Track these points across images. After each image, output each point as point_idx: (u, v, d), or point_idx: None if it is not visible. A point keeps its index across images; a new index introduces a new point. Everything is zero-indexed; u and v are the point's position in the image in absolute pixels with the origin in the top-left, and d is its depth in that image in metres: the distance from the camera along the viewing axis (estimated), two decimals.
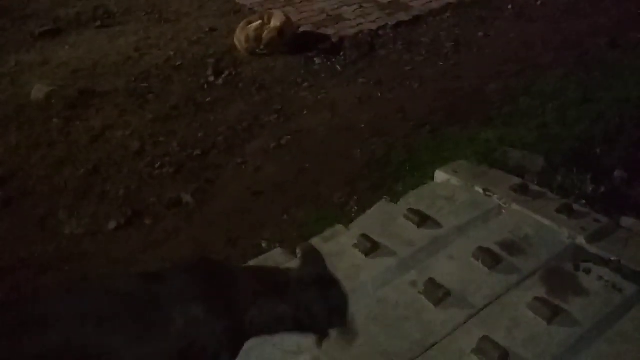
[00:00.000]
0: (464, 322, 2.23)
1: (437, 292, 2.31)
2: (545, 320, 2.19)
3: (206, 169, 3.57)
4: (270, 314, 1.83)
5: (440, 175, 3.04)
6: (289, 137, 3.76)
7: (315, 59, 4.67)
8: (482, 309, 2.27)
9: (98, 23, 5.64)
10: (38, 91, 4.31)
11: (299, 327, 1.88)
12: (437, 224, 2.65)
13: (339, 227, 2.82)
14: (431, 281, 2.35)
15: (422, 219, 2.64)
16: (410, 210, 2.70)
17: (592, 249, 2.57)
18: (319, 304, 1.87)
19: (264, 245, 3.05)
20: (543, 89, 3.86)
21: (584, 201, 2.89)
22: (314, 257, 1.96)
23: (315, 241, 2.72)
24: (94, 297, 1.67)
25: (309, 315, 1.85)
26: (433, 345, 2.16)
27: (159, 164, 3.59)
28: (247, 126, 3.93)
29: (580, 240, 2.59)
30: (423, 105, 3.89)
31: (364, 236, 2.57)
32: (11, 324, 1.56)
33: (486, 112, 3.68)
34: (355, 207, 3.13)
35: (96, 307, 1.64)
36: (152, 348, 1.67)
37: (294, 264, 2.49)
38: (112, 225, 3.14)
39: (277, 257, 2.71)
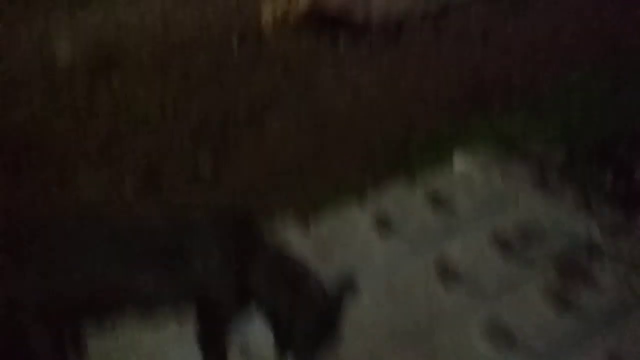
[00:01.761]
0: (474, 307, 2.24)
1: (448, 274, 2.32)
2: (556, 309, 2.20)
3: (225, 142, 3.58)
4: (272, 300, 1.87)
5: (459, 161, 3.03)
6: (309, 114, 3.75)
7: (340, 39, 4.63)
8: (492, 295, 2.28)
9: None
10: (63, 56, 4.34)
11: (279, 325, 1.88)
12: (453, 209, 2.65)
13: (354, 206, 2.82)
14: (443, 264, 2.36)
15: (438, 202, 2.64)
16: (427, 193, 2.70)
17: (607, 245, 2.55)
18: (313, 323, 1.87)
19: (277, 220, 3.07)
20: (570, 81, 3.80)
21: (602, 197, 2.87)
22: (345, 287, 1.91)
23: (330, 219, 2.73)
24: (118, 231, 1.74)
25: (296, 324, 1.85)
26: (441, 327, 2.18)
27: (178, 132, 3.61)
28: (267, 102, 3.92)
29: (596, 235, 2.57)
30: (446, 91, 3.85)
31: (379, 215, 2.58)
32: (37, 253, 1.62)
33: (510, 101, 3.63)
34: (372, 188, 3.13)
35: (120, 241, 1.72)
36: (169, 282, 1.74)
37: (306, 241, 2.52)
38: (130, 193, 3.17)
39: (289, 235, 2.73)
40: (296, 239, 2.61)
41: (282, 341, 1.91)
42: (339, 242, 2.51)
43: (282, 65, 4.33)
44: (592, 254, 2.48)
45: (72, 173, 3.33)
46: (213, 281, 1.80)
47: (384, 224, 2.55)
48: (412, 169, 3.19)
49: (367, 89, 4.00)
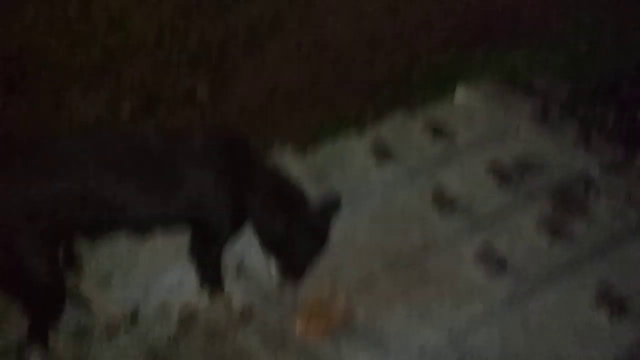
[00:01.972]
0: (467, 232, 2.26)
1: (443, 201, 2.32)
2: (548, 237, 2.21)
3: (223, 66, 3.50)
4: (266, 218, 1.86)
5: (461, 93, 2.99)
6: (311, 41, 3.66)
7: None
8: (487, 222, 2.29)
9: None
10: None
11: (277, 245, 1.90)
12: (453, 138, 2.63)
13: (352, 133, 2.80)
14: (439, 190, 2.36)
15: (438, 132, 2.62)
16: (427, 122, 2.67)
17: (605, 181, 2.55)
18: (308, 241, 1.90)
19: (275, 145, 3.04)
20: (581, 17, 3.70)
21: (603, 135, 2.85)
22: (333, 205, 1.94)
23: (328, 144, 2.71)
24: (113, 146, 1.70)
25: (292, 244, 1.87)
26: (434, 250, 2.20)
27: (176, 55, 3.53)
28: (268, 26, 3.81)
29: (595, 171, 2.57)
30: (452, 23, 3.75)
31: (377, 141, 2.56)
32: (30, 164, 1.59)
33: (517, 35, 3.54)
34: (371, 116, 3.09)
35: (114, 156, 1.68)
36: (162, 200, 1.72)
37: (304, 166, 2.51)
38: (126, 111, 3.13)
39: (287, 158, 2.71)
40: (293, 165, 2.59)
41: (279, 260, 1.93)
42: (336, 168, 2.50)
43: None
44: (589, 188, 2.48)
45: (67, 95, 3.27)
46: (208, 201, 1.76)
47: (382, 152, 2.53)
48: (414, 100, 3.14)
49: (370, 17, 3.89)
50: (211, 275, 1.97)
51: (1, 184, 1.58)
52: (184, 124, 3.13)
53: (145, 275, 2.10)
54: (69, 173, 1.62)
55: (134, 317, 2.00)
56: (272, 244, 1.92)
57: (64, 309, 1.77)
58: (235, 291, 2.05)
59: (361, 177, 2.44)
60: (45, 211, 1.58)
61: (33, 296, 1.69)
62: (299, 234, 1.87)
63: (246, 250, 2.15)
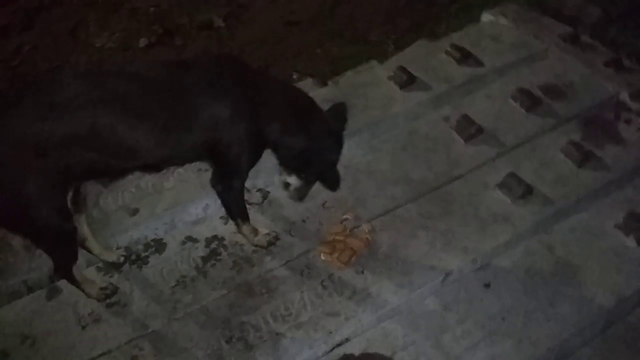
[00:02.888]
0: (493, 159, 2.22)
1: (469, 128, 2.27)
2: (576, 163, 2.16)
3: None
4: (285, 137, 1.83)
5: (487, 17, 2.87)
6: None
7: None
8: (513, 148, 2.25)
9: None
10: None
11: (297, 163, 1.88)
12: (479, 62, 2.54)
13: (374, 62, 2.72)
14: (465, 117, 2.30)
15: (464, 56, 2.53)
16: (453, 45, 2.58)
17: (636, 105, 2.46)
18: (327, 154, 1.88)
19: (294, 76, 2.98)
20: None
21: (634, 59, 2.73)
22: (341, 113, 1.93)
23: (349, 74, 2.65)
24: (121, 83, 1.62)
25: (312, 160, 1.86)
26: (458, 177, 2.17)
27: None
28: None
29: (624, 95, 2.48)
30: None
31: (401, 68, 2.49)
32: (39, 105, 1.54)
33: None
34: (392, 46, 2.99)
35: (123, 94, 1.60)
36: (178, 138, 1.69)
37: (324, 98, 2.44)
38: (143, 42, 3.08)
39: (308, 89, 2.66)
40: (314, 97, 2.54)
41: (299, 176, 1.91)
42: (358, 98, 2.43)
43: None
44: (619, 113, 2.40)
45: (83, 27, 3.21)
46: (224, 134, 1.71)
47: (405, 80, 2.45)
48: (437, 26, 3.04)
49: None
50: (235, 206, 1.96)
51: (10, 121, 1.54)
52: (200, 50, 3.07)
53: (171, 206, 2.11)
54: (77, 113, 1.54)
55: (161, 247, 2.04)
56: (292, 163, 1.89)
57: (76, 249, 1.77)
58: (261, 221, 2.06)
59: (384, 107, 2.38)
60: (54, 151, 1.53)
61: (43, 237, 1.68)
62: (317, 147, 1.85)
63: (270, 180, 2.15)
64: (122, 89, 1.61)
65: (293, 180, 1.94)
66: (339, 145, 1.91)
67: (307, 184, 1.95)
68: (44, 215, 1.60)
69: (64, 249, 1.75)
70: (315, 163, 1.87)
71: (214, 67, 1.75)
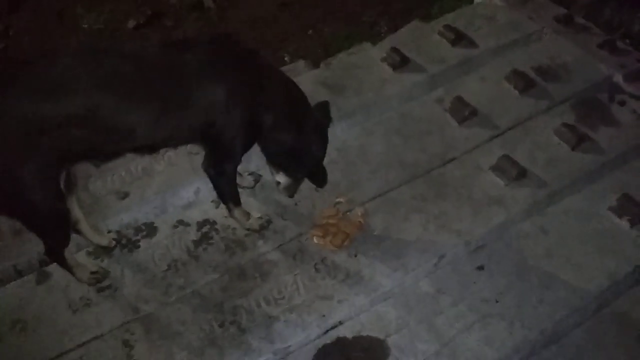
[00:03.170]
0: (486, 141, 2.21)
1: (463, 110, 2.25)
2: (570, 145, 2.16)
3: None
4: (278, 130, 1.82)
5: None
6: None
7: None
8: (506, 130, 2.23)
9: None
10: None
11: (285, 160, 1.89)
12: (473, 44, 2.51)
13: (367, 44, 2.68)
14: (458, 99, 2.28)
15: (457, 37, 2.50)
16: (446, 26, 2.55)
17: (630, 87, 2.45)
18: (315, 151, 1.88)
19: (286, 58, 2.95)
20: None
21: (628, 40, 2.73)
22: (325, 111, 1.94)
23: (341, 56, 2.61)
24: (119, 63, 1.59)
25: (300, 157, 1.86)
26: (452, 160, 2.16)
27: None
28: None
29: (618, 77, 2.47)
30: None
31: (394, 50, 2.46)
32: (35, 85, 1.50)
33: None
34: (385, 28, 2.98)
35: (121, 74, 1.57)
36: (175, 120, 1.66)
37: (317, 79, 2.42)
38: (131, 23, 3.03)
39: (299, 71, 2.63)
40: (306, 78, 2.51)
41: (287, 172, 1.92)
42: (351, 80, 2.40)
43: None
44: (613, 94, 2.39)
45: (69, 2, 3.14)
46: (219, 118, 1.68)
47: (398, 62, 2.43)
48: (432, 6, 3.01)
49: None
50: (227, 190, 1.94)
51: (5, 101, 1.50)
52: (190, 32, 3.03)
53: (162, 190, 2.09)
54: (74, 94, 1.51)
55: (152, 231, 2.02)
56: (280, 159, 1.90)
57: (69, 231, 1.75)
58: (253, 204, 2.05)
59: (377, 89, 2.36)
60: (50, 132, 1.51)
61: (37, 218, 1.65)
62: (306, 144, 1.85)
63: (262, 164, 2.13)
64: (120, 69, 1.58)
65: (281, 178, 1.94)
66: (325, 142, 1.91)
67: (296, 181, 1.96)
68: (39, 197, 1.58)
69: (57, 231, 1.72)
70: (303, 160, 1.87)
71: (213, 48, 1.72)
